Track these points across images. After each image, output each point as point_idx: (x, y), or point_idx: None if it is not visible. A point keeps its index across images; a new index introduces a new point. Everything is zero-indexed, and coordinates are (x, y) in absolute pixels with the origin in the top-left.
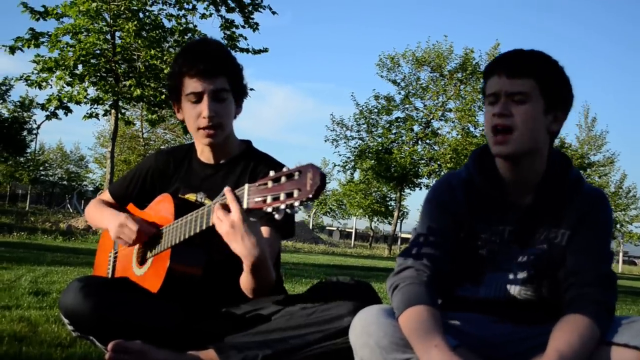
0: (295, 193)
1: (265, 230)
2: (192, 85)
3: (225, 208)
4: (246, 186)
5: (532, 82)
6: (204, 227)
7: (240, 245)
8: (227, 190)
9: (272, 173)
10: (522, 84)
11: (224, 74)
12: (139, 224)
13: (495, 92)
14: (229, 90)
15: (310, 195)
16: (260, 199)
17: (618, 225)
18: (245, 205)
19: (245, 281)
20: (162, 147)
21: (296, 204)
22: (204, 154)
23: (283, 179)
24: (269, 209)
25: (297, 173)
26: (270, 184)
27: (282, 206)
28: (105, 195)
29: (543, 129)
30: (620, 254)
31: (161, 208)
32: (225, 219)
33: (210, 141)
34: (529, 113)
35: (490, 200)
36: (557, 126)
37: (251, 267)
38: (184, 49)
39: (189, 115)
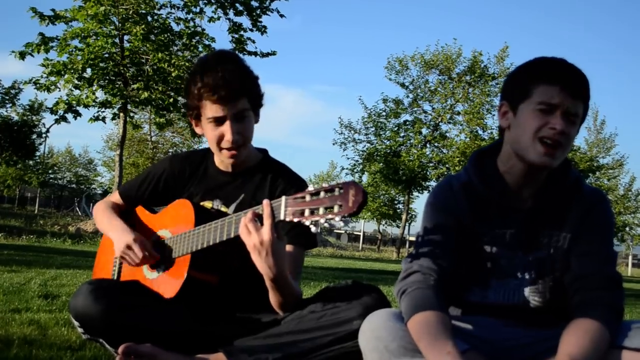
0: (336, 208)
1: (290, 247)
2: (213, 109)
3: (258, 220)
4: (283, 198)
5: (582, 106)
6: (231, 236)
7: (262, 262)
8: (265, 203)
9: (311, 187)
10: (580, 107)
11: (244, 94)
12: (144, 250)
13: (555, 104)
14: (249, 108)
15: (352, 212)
16: (298, 211)
17: (627, 228)
18: (282, 217)
19: (271, 296)
20: (170, 150)
21: (337, 218)
22: (223, 163)
23: (322, 193)
24: (307, 222)
25: (337, 189)
26: (308, 197)
27: (322, 220)
28: (115, 196)
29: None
30: (630, 257)
31: (180, 214)
32: (255, 233)
33: (233, 161)
34: (575, 134)
35: (491, 203)
36: None
37: (270, 282)
38: (201, 68)
39: (211, 135)
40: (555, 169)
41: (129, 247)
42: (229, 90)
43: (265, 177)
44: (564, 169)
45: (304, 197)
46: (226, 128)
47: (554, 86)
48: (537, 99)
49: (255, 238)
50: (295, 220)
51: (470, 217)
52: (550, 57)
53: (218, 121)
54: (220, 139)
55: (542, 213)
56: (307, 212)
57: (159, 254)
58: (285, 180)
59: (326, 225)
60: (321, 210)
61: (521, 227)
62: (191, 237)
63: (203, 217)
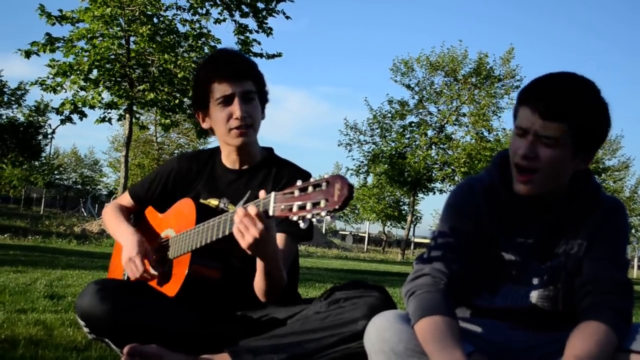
0: (322, 203)
1: (281, 235)
2: (221, 89)
3: (250, 217)
4: (272, 194)
5: (565, 127)
6: (226, 233)
7: (258, 255)
8: (261, 196)
9: (299, 182)
10: (554, 129)
11: (250, 77)
12: (144, 265)
13: (525, 128)
14: (256, 92)
15: (337, 206)
16: (286, 207)
17: (633, 231)
18: (271, 213)
19: (258, 282)
20: (175, 151)
21: (323, 213)
22: (230, 159)
23: (310, 188)
24: (295, 218)
25: (324, 183)
26: (297, 192)
27: (309, 215)
28: (125, 198)
29: (569, 170)
30: (636, 260)
31: (183, 213)
32: (246, 231)
33: (242, 140)
34: (555, 157)
35: (512, 211)
36: (585, 164)
37: (264, 269)
38: (208, 58)
39: (219, 118)
40: (578, 179)
41: (131, 260)
42: (235, 67)
43: (269, 172)
44: (586, 178)
45: (292, 193)
46: (234, 106)
47: (526, 108)
48: (516, 123)
49: (250, 234)
50: (283, 216)
51: (490, 222)
52: (541, 76)
53: (226, 100)
54: (229, 118)
55: (562, 224)
56: (295, 208)
57: (160, 269)
58: (289, 174)
59: (314, 220)
60: (308, 206)
61: (540, 238)
62: (190, 236)
63: (205, 215)
